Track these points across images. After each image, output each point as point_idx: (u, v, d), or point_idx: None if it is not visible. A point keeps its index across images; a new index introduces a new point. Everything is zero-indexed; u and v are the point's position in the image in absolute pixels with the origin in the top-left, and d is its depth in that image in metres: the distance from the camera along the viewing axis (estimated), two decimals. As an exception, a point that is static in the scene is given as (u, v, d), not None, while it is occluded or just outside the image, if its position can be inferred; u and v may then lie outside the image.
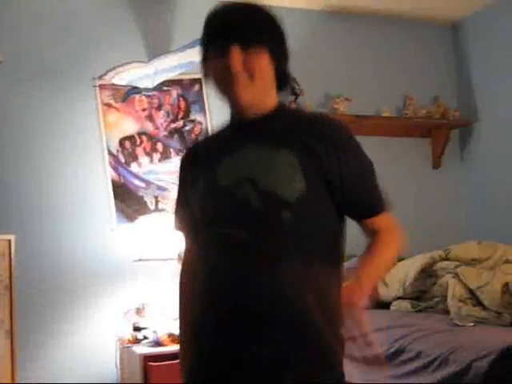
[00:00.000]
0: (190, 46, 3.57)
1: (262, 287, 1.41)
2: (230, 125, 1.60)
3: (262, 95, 1.51)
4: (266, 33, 1.49)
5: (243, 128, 1.55)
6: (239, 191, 1.44)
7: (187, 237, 1.69)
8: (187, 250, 1.70)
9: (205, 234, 1.54)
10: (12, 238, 3.04)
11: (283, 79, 1.57)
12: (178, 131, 3.96)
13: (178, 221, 1.70)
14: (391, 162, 4.39)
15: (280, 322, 1.41)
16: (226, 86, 1.50)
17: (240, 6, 1.54)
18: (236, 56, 1.45)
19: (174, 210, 1.71)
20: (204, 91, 3.98)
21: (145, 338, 3.40)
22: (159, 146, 3.91)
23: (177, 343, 3.25)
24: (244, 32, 1.47)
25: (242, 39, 1.46)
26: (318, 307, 1.43)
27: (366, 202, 1.53)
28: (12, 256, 3.03)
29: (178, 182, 1.69)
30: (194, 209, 1.57)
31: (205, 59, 1.57)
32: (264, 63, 1.48)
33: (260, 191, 1.42)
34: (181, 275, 1.71)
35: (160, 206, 3.84)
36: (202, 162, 1.58)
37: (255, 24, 1.49)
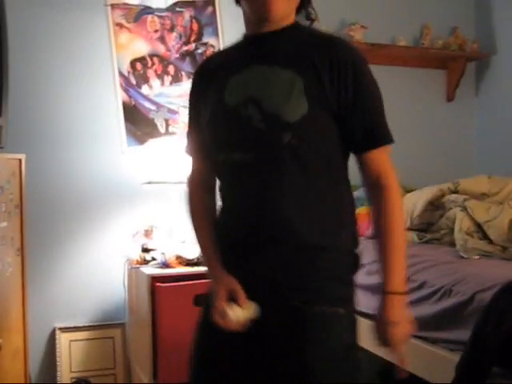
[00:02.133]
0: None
1: (265, 209, 1.45)
2: (243, 40, 1.58)
3: (290, 10, 1.50)
4: None
5: (255, 44, 1.53)
6: (244, 111, 1.45)
7: (196, 158, 1.69)
8: (196, 170, 1.70)
9: (213, 153, 1.56)
10: (23, 157, 3.05)
11: (305, 1, 1.56)
12: (190, 54, 3.90)
13: (189, 145, 1.70)
14: (405, 92, 4.35)
15: (283, 244, 1.45)
16: None
17: None
18: None
19: (186, 132, 1.71)
20: (217, 13, 3.90)
21: (153, 259, 3.45)
22: (171, 69, 3.86)
23: (184, 264, 3.34)
24: None
25: None
26: (322, 229, 1.47)
27: (363, 131, 1.48)
28: (22, 175, 3.04)
29: (189, 99, 1.67)
30: (203, 127, 1.58)
31: None
32: None
33: (263, 112, 1.43)
34: (189, 194, 1.71)
35: (170, 129, 3.82)
36: (212, 79, 1.57)
37: None
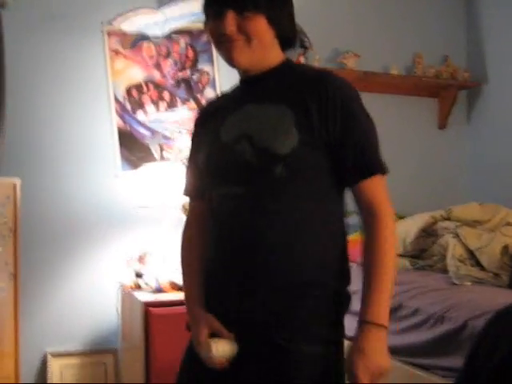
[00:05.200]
0: (201, -6, 3.53)
1: (252, 244, 1.46)
2: (238, 84, 1.64)
3: (261, 56, 1.53)
4: None
5: (247, 85, 1.60)
6: (237, 147, 1.48)
7: (193, 199, 1.72)
8: (192, 211, 1.73)
9: (208, 189, 1.60)
10: (17, 181, 3.06)
11: (288, 39, 1.59)
12: (185, 81, 3.94)
13: (186, 186, 1.73)
14: (397, 120, 4.39)
15: (271, 281, 1.45)
16: (222, 49, 1.53)
17: None
18: (230, 21, 1.47)
19: (185, 174, 1.74)
20: (212, 41, 3.94)
21: (146, 284, 3.45)
22: (166, 95, 3.89)
23: (177, 290, 3.33)
24: None
25: (236, 5, 1.47)
26: (311, 266, 1.46)
27: (352, 162, 1.48)
28: (17, 199, 3.05)
29: (190, 144, 1.73)
30: (201, 168, 1.61)
31: (206, 22, 1.58)
32: (260, 27, 1.49)
33: (255, 146, 1.46)
34: (182, 240, 1.73)
35: (165, 154, 3.84)
36: (210, 122, 1.63)
37: None
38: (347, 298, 1.53)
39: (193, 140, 1.72)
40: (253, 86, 1.58)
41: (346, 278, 1.53)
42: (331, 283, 1.49)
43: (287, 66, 1.58)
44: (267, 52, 1.54)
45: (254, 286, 1.47)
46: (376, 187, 1.49)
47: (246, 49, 1.50)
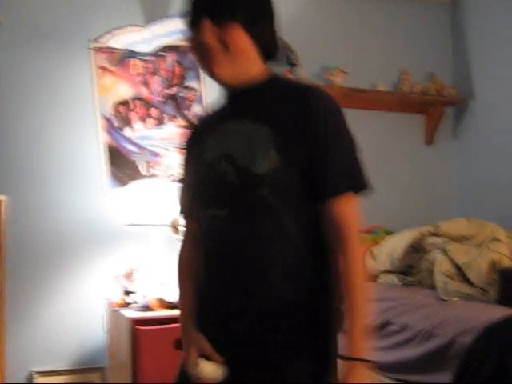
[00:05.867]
0: (188, 11, 3.54)
1: (241, 263, 1.45)
2: (224, 98, 1.61)
3: (242, 69, 1.49)
4: (239, 8, 1.46)
5: (231, 103, 1.57)
6: (219, 167, 1.47)
7: (187, 217, 1.70)
8: (188, 229, 1.71)
9: (196, 210, 1.57)
10: (4, 198, 3.04)
11: (270, 50, 1.55)
12: (173, 97, 3.94)
13: (180, 205, 1.71)
14: (384, 137, 4.40)
15: (258, 302, 1.44)
16: (203, 62, 1.50)
17: None
18: (206, 29, 1.45)
19: (179, 194, 1.72)
20: (200, 58, 3.95)
21: (134, 302, 3.43)
22: (153, 112, 3.89)
23: (165, 307, 3.31)
24: (215, 8, 1.46)
25: (213, 15, 1.45)
26: (301, 282, 1.45)
27: (326, 179, 1.42)
28: (3, 216, 3.03)
29: (183, 164, 1.71)
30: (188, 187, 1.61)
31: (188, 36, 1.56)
32: (237, 36, 1.46)
33: (236, 166, 1.44)
34: (179, 258, 1.72)
35: (152, 171, 3.84)
36: (197, 141, 1.61)
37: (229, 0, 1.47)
38: (336, 315, 1.49)
39: (184, 160, 1.69)
40: (236, 102, 1.55)
41: (333, 296, 1.50)
42: (319, 302, 1.47)
43: (273, 81, 1.55)
44: (248, 64, 1.50)
45: (241, 306, 1.45)
46: (345, 208, 1.43)
47: (225, 60, 1.46)
